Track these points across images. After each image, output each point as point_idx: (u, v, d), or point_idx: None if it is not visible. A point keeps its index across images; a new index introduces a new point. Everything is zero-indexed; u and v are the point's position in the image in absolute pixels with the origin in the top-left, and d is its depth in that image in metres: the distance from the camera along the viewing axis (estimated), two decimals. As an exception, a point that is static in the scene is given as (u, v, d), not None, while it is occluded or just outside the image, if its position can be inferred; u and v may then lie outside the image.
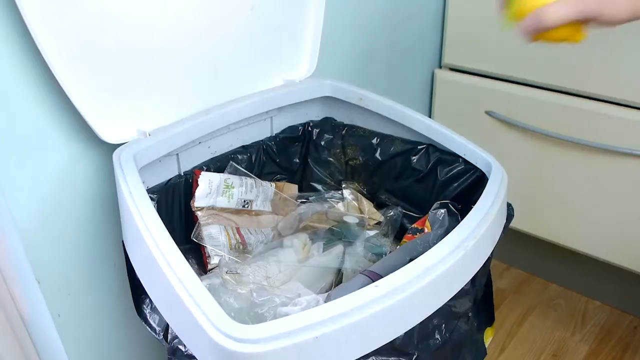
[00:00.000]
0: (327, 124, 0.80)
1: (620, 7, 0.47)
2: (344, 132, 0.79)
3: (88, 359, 0.72)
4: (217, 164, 0.71)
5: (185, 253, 0.48)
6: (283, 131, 0.79)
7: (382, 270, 0.53)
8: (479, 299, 0.60)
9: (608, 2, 0.46)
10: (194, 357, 0.45)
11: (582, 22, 0.49)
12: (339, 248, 0.67)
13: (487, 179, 0.58)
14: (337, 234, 0.71)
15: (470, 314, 0.55)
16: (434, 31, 1.09)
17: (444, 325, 0.51)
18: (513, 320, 1.15)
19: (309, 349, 0.40)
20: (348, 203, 0.77)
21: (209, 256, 0.65)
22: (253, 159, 0.75)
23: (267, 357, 0.38)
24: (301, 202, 0.77)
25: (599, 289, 1.18)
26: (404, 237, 0.68)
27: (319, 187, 0.81)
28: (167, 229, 0.48)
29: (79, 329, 0.69)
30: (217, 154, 0.72)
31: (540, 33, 0.49)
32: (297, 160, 0.80)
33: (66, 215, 0.63)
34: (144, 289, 0.52)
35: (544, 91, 0.99)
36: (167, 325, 0.49)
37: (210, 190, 0.67)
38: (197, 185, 0.66)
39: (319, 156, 0.80)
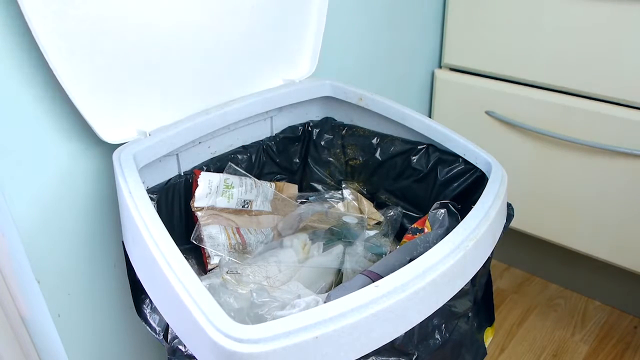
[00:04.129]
0: (327, 124, 0.80)
1: None
2: (344, 132, 0.79)
3: (88, 359, 0.72)
4: (217, 164, 0.71)
5: (185, 253, 0.48)
6: (283, 131, 0.79)
7: (382, 270, 0.53)
8: (479, 299, 0.60)
9: None
10: (193, 357, 0.45)
11: None
12: (339, 248, 0.67)
13: (487, 179, 0.58)
14: (337, 234, 0.71)
15: (470, 314, 0.55)
16: (434, 31, 1.09)
17: (444, 325, 0.51)
18: (513, 320, 1.15)
19: (309, 349, 0.40)
20: (348, 203, 0.77)
21: (209, 256, 0.65)
22: (253, 159, 0.75)
23: (267, 357, 0.38)
24: (301, 202, 0.77)
25: (599, 289, 1.18)
26: (404, 237, 0.68)
27: (319, 187, 0.81)
28: (167, 229, 0.48)
29: (79, 329, 0.69)
30: (217, 154, 0.72)
31: None
32: (297, 160, 0.80)
33: (66, 215, 0.63)
34: (144, 289, 0.52)
35: (544, 91, 0.99)
36: (167, 325, 0.49)
37: (210, 190, 0.67)
38: (197, 185, 0.66)
39: (319, 156, 0.80)
